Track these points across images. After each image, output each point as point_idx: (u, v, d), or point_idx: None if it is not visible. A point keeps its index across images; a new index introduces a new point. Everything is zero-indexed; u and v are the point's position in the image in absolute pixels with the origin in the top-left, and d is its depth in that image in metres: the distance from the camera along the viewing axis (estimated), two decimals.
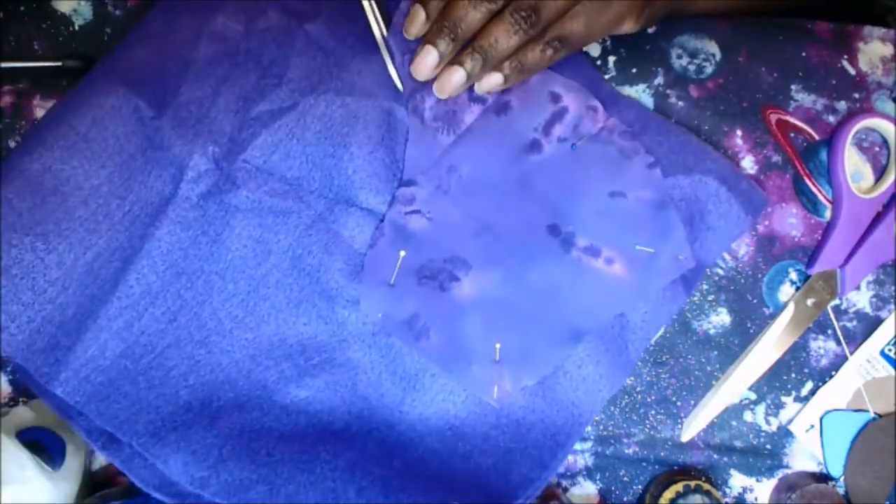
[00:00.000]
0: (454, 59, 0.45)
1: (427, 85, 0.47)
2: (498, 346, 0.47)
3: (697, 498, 0.50)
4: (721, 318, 0.53)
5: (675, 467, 0.53)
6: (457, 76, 0.45)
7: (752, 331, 0.53)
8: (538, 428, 0.48)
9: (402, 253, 0.48)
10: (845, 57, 0.54)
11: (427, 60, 0.45)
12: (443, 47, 0.44)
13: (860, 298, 0.53)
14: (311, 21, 0.49)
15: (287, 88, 0.47)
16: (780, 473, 0.53)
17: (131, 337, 0.46)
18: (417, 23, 0.45)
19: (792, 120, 0.53)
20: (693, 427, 0.52)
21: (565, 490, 0.53)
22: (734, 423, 0.53)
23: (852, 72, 0.54)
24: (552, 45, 0.45)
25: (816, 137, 0.53)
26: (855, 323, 0.53)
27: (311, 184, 0.48)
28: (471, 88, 0.48)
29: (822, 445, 0.52)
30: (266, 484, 0.44)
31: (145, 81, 0.46)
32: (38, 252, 0.44)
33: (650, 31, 0.53)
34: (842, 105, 0.53)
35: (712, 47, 0.53)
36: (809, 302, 0.52)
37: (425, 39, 0.45)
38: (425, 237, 0.48)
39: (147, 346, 0.46)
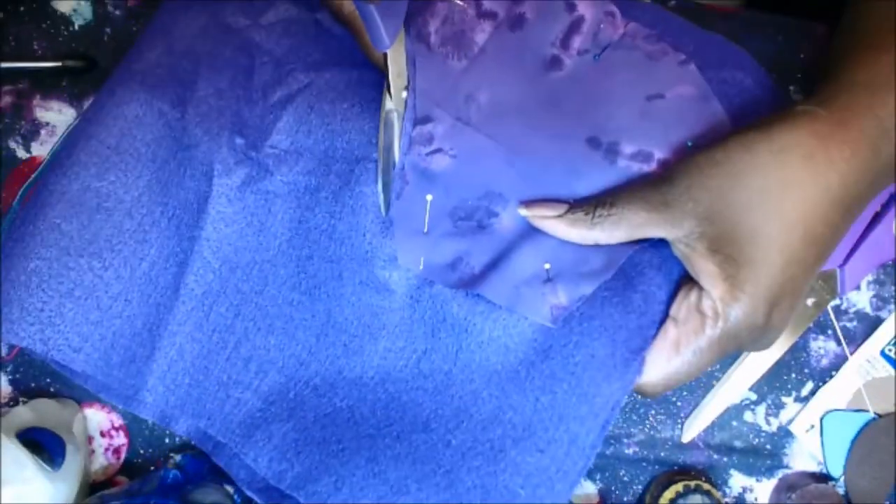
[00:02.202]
0: None
1: (429, 4, 0.43)
2: (547, 266, 0.45)
3: (697, 498, 0.50)
4: None
5: (675, 467, 0.53)
6: None
7: None
8: (606, 335, 0.44)
9: (429, 197, 0.46)
10: None
11: None
12: None
13: (860, 298, 0.53)
14: (321, 10, 0.48)
15: (302, 71, 0.47)
16: (780, 473, 0.53)
17: (203, 337, 0.47)
18: None
19: None
20: (694, 427, 0.52)
21: None
22: (734, 423, 0.53)
23: None
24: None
25: None
26: (855, 323, 0.53)
27: (336, 152, 0.47)
28: (478, 4, 0.46)
29: (822, 445, 0.52)
30: (332, 475, 0.45)
31: (162, 82, 0.46)
32: (96, 271, 0.44)
33: None
34: None
35: None
36: (809, 302, 0.52)
37: None
38: (452, 176, 0.46)
39: (219, 342, 0.47)
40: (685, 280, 0.43)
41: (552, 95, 0.47)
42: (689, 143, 0.46)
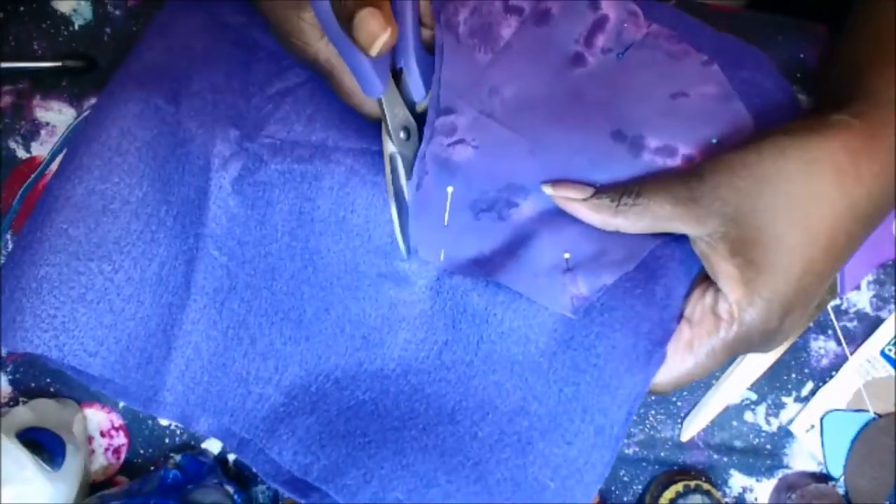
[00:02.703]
0: None
1: None
2: (567, 255, 0.44)
3: (697, 498, 0.50)
4: None
5: (675, 467, 0.53)
6: None
7: None
8: (629, 326, 0.44)
9: (450, 189, 0.45)
10: None
11: None
12: None
13: (860, 298, 0.53)
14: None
15: (302, 66, 0.46)
16: (780, 473, 0.53)
17: (218, 334, 0.47)
18: None
19: None
20: (693, 427, 0.52)
21: None
22: (734, 423, 0.53)
23: None
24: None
25: None
26: (855, 323, 0.53)
27: (336, 142, 0.46)
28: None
29: (822, 445, 0.52)
30: (360, 468, 0.45)
31: (158, 78, 0.46)
32: (106, 274, 0.44)
33: None
34: None
35: None
36: None
37: None
38: (474, 167, 0.46)
39: (235, 339, 0.47)
40: (700, 279, 0.43)
41: (576, 90, 0.47)
42: (714, 140, 0.46)
